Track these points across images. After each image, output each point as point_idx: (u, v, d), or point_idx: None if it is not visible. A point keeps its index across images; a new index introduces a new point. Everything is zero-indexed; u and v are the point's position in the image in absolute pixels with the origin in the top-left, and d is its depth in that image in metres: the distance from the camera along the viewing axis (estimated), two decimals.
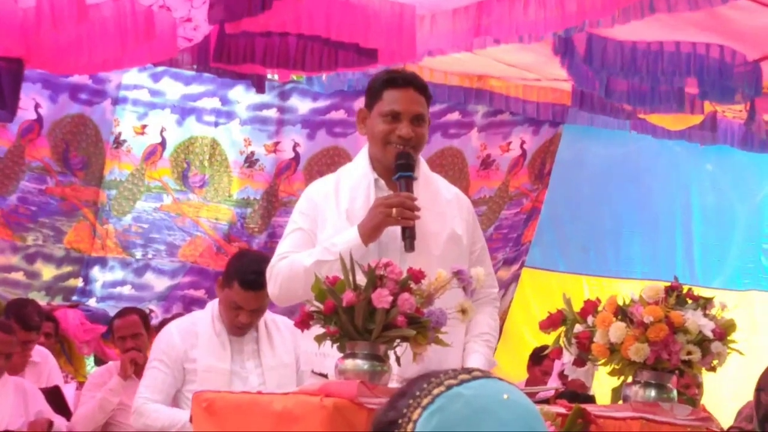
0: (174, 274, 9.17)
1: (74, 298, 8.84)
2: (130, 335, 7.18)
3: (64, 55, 6.03)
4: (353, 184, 4.05)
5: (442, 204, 4.08)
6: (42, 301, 8.44)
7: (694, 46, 6.83)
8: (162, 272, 9.13)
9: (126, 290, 9.02)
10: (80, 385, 7.71)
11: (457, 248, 4.02)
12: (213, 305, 5.24)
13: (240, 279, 5.04)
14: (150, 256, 9.08)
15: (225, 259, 9.36)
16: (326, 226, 4.00)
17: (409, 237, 3.84)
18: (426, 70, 8.00)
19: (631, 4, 5.76)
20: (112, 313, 8.88)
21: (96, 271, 8.94)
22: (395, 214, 3.82)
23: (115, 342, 7.44)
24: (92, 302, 8.90)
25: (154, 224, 9.09)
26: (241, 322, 5.08)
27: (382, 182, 4.06)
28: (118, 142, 8.92)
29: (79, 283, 8.86)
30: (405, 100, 4.02)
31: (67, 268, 8.77)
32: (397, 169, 3.97)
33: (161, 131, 9.06)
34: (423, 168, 4.13)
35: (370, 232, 3.86)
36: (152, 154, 9.07)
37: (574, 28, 6.39)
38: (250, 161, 9.33)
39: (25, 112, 8.13)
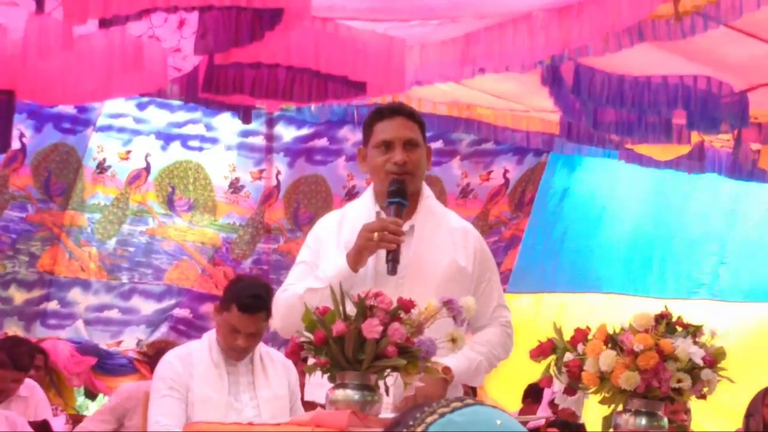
0: (161, 297, 9.20)
1: (52, 321, 8.82)
2: None
3: (52, 85, 6.03)
4: (355, 217, 4.09)
5: (445, 234, 4.11)
6: (17, 328, 8.45)
7: (681, 78, 6.86)
8: (149, 295, 9.17)
9: (113, 314, 9.06)
10: (70, 417, 7.66)
11: (459, 278, 4.04)
12: (210, 335, 5.24)
13: (238, 303, 5.08)
14: (136, 279, 9.13)
15: (210, 282, 9.36)
16: (326, 258, 4.04)
17: (391, 260, 3.89)
18: (414, 100, 8.01)
19: (618, 31, 5.78)
20: (101, 341, 8.87)
21: (76, 294, 8.93)
22: (376, 238, 3.87)
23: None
24: (80, 325, 8.87)
25: (139, 248, 9.13)
26: (239, 346, 5.09)
27: (384, 215, 4.09)
28: (102, 168, 8.97)
29: (53, 305, 8.85)
30: (394, 127, 4.09)
31: (38, 292, 8.76)
32: (388, 195, 4.02)
33: (146, 156, 9.14)
34: (426, 197, 4.17)
35: (355, 257, 3.91)
36: (137, 178, 9.14)
37: (561, 57, 6.41)
38: (235, 187, 9.38)
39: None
